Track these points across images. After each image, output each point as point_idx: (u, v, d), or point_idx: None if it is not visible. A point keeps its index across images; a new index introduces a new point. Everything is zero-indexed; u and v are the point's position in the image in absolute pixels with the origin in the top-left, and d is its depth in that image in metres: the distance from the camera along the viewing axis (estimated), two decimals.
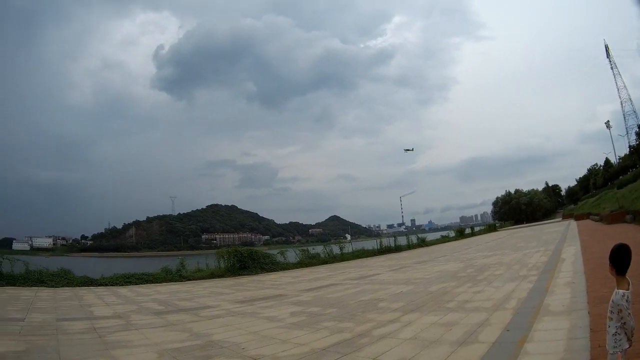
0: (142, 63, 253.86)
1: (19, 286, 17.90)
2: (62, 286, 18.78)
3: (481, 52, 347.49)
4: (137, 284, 20.62)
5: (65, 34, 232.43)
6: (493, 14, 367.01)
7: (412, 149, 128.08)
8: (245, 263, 24.01)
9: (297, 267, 26.06)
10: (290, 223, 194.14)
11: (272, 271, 24.40)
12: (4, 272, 18.80)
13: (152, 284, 20.77)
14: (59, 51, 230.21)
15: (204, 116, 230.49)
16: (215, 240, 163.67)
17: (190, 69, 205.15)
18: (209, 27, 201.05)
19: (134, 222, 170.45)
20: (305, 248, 32.02)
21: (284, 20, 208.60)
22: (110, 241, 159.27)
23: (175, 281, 21.81)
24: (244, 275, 23.10)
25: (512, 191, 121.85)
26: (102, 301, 14.52)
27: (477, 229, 69.50)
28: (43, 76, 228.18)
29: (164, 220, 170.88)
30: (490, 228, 69.28)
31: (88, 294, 16.60)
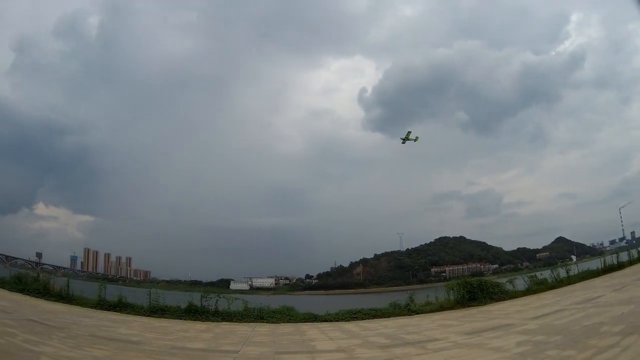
0: (348, 107, 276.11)
1: (235, 322, 20.77)
2: (283, 322, 21.08)
3: None
4: (363, 319, 22.01)
5: (265, 91, 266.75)
6: None
7: (416, 139, 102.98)
8: (475, 294, 24.59)
9: (525, 295, 25.79)
10: (518, 249, 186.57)
11: (500, 300, 24.48)
12: (220, 310, 22.11)
13: (379, 319, 22.00)
14: (262, 107, 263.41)
15: (422, 151, 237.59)
16: (445, 272, 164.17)
17: (398, 107, 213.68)
18: (404, 64, 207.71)
19: (361, 259, 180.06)
20: (533, 274, 32.44)
21: (474, 43, 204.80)
22: (336, 279, 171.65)
23: (404, 315, 22.92)
24: (473, 306, 23.58)
25: None
26: (325, 336, 15.85)
27: None
28: (251, 131, 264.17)
29: (392, 257, 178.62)
30: None
31: (311, 329, 18.30)
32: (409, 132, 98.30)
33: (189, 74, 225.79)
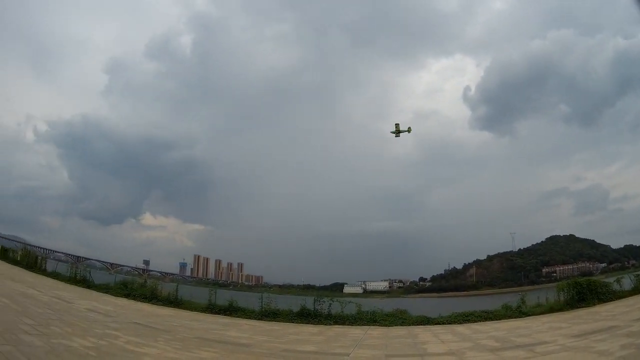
0: (453, 107, 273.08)
1: (348, 325, 20.42)
2: (396, 325, 20.52)
3: None
4: (475, 322, 21.37)
5: (369, 97, 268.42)
6: None
7: (409, 130, 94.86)
8: (584, 294, 23.62)
9: (632, 295, 24.47)
10: (625, 246, 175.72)
11: (608, 301, 23.49)
12: (333, 313, 21.88)
13: (491, 321, 21.35)
14: (368, 112, 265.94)
15: (528, 148, 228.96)
16: (555, 272, 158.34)
17: (502, 104, 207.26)
18: (503, 59, 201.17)
19: (474, 261, 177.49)
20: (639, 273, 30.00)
21: (567, 32, 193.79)
22: (449, 281, 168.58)
23: (515, 317, 22.15)
24: (582, 307, 22.65)
25: None
26: (437, 339, 15.33)
27: None
28: (359, 136, 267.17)
29: (504, 257, 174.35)
30: None
31: (423, 333, 17.73)
32: (397, 124, 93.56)
33: (291, 84, 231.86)
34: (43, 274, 36.51)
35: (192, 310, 24.13)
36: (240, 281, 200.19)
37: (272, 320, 21.73)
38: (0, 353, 7.56)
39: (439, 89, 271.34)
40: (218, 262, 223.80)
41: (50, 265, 41.52)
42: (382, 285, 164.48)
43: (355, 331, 18.45)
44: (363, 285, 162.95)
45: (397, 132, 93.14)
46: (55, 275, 36.07)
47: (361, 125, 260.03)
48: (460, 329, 18.89)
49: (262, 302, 23.45)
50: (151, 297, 26.20)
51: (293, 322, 21.40)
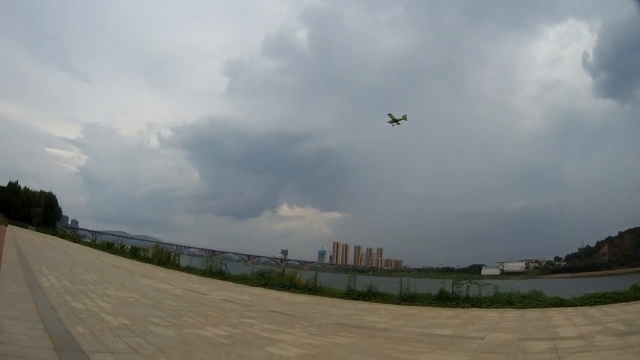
0: (576, 75, 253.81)
1: (484, 308, 20.15)
2: (531, 307, 19.99)
3: None
4: (605, 304, 20.39)
5: (493, 71, 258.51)
6: None
7: (404, 117, 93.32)
8: None
9: None
10: None
11: None
12: (471, 296, 21.63)
13: (621, 303, 20.28)
14: (494, 87, 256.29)
15: None
16: None
17: (621, 68, 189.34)
18: (612, 20, 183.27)
19: (606, 238, 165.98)
20: None
21: None
22: (583, 260, 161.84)
23: None
24: None
25: None
26: (569, 322, 14.69)
27: None
28: (489, 113, 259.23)
29: (634, 234, 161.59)
30: None
31: (557, 315, 17.06)
32: (391, 114, 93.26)
33: (413, 66, 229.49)
34: (176, 269, 39.39)
35: (330, 297, 24.74)
36: (379, 266, 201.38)
37: (411, 305, 21.83)
38: (127, 345, 8.03)
39: (559, 57, 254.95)
40: (357, 248, 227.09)
41: (184, 261, 44.30)
42: (519, 266, 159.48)
43: (491, 314, 18.22)
44: (500, 267, 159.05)
45: (393, 120, 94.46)
46: (189, 270, 38.41)
47: (491, 100, 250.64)
48: (591, 311, 18.10)
49: (401, 286, 23.55)
50: (289, 285, 27.19)
51: (431, 306, 21.41)
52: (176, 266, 41.60)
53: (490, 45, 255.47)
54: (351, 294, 24.54)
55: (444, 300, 21.78)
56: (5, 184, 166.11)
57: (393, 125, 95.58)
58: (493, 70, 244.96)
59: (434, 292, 22.79)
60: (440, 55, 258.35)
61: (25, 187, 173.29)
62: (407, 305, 21.84)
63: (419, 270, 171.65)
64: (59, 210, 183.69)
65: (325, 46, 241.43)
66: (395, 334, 11.87)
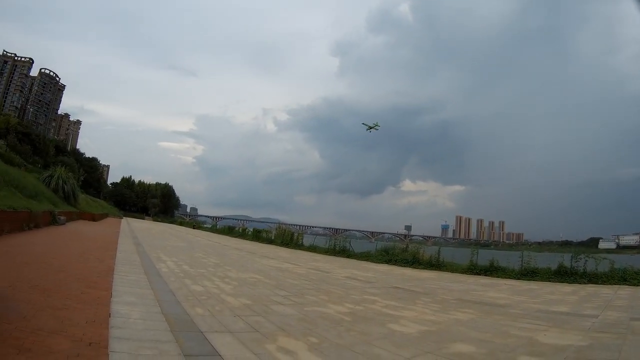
0: None
1: (600, 284, 20.09)
2: None
3: None
4: None
5: (596, 32, 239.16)
6: None
7: (376, 124, 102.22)
8: None
9: None
10: None
11: None
12: (588, 271, 21.61)
13: None
14: (599, 48, 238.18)
15: None
16: None
17: None
18: None
19: None
20: None
21: None
22: None
23: None
24: None
25: None
26: None
27: None
28: (596, 74, 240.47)
29: None
30: None
31: None
32: (364, 123, 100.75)
33: (519, 30, 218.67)
34: (299, 249, 40.46)
35: (453, 272, 25.23)
36: (501, 240, 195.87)
37: (530, 280, 22.00)
38: (247, 324, 8.39)
39: None
40: (479, 222, 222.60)
41: (307, 240, 45.35)
42: (634, 240, 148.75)
43: (606, 290, 18.11)
44: (616, 240, 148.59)
45: (369, 128, 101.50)
46: (312, 249, 39.60)
47: (598, 62, 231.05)
48: None
49: (522, 261, 23.81)
50: (413, 261, 27.91)
51: (550, 281, 21.51)
52: (299, 246, 43.03)
53: (589, 5, 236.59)
54: (473, 269, 25.05)
55: (562, 275, 21.91)
56: (118, 180, 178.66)
57: (370, 132, 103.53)
58: (595, 31, 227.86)
59: (554, 266, 22.90)
60: (544, 18, 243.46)
61: (140, 180, 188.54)
62: (527, 280, 22.04)
63: (539, 243, 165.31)
64: (177, 200, 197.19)
65: (429, 17, 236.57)
66: (513, 310, 12.23)
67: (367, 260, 31.52)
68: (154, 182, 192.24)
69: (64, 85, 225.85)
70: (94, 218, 58.75)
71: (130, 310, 8.39)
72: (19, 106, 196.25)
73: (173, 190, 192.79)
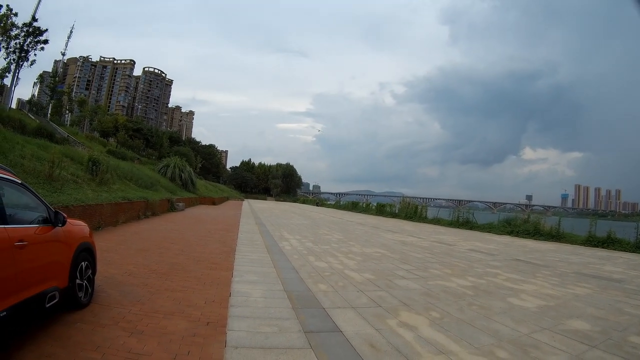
0: None
1: None
2: None
3: None
4: None
5: None
6: None
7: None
8: None
9: None
10: None
11: None
12: None
13: None
14: None
15: None
16: None
17: None
18: None
19: None
20: None
21: None
22: None
23: None
24: None
25: None
26: None
27: None
28: None
29: None
30: None
31: None
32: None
33: None
34: (423, 222, 40.68)
35: (572, 244, 24.76)
36: (617, 209, 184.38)
37: None
38: (370, 299, 8.58)
39: None
40: (597, 191, 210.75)
41: (431, 213, 45.08)
42: None
43: None
44: None
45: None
46: (436, 222, 39.53)
47: None
48: None
49: (637, 232, 23.06)
50: (534, 232, 27.72)
51: None
52: (423, 219, 43.36)
53: None
54: (591, 241, 24.46)
55: None
56: (238, 164, 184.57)
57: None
58: None
59: None
60: None
61: (260, 162, 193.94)
62: None
63: None
64: (299, 179, 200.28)
65: None
66: (628, 286, 12.02)
67: (489, 231, 31.44)
68: (275, 163, 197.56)
69: (172, 80, 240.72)
70: (214, 202, 61.72)
71: (252, 289, 8.74)
72: (125, 105, 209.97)
73: (294, 170, 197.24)
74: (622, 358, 6.03)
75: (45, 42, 66.62)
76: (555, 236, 26.92)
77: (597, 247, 23.66)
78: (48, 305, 5.41)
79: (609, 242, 23.79)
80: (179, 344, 5.43)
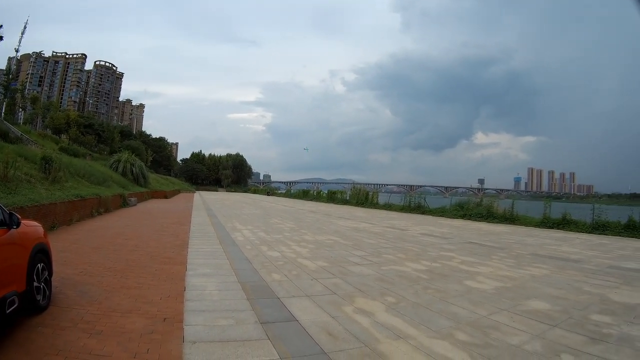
0: None
1: None
2: None
3: None
4: None
5: None
6: None
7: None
8: None
9: None
10: None
11: None
12: None
13: None
14: None
15: None
16: None
17: None
18: None
19: None
20: None
21: None
22: None
23: None
24: None
25: None
26: None
27: None
28: None
29: None
30: None
31: None
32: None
33: None
34: (375, 208, 41.10)
35: (526, 226, 25.17)
36: (572, 192, 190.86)
37: (601, 234, 21.73)
38: (325, 287, 8.63)
39: None
40: (551, 174, 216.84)
41: (382, 199, 45.67)
42: None
43: None
44: None
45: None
46: (388, 207, 40.06)
47: None
48: None
49: (593, 213, 23.42)
50: (487, 215, 28.10)
51: (620, 236, 21.23)
52: (375, 205, 43.77)
53: None
54: (546, 223, 24.88)
55: (632, 229, 21.50)
56: (189, 156, 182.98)
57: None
58: None
59: (623, 220, 22.50)
60: None
61: (210, 153, 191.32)
62: (598, 234, 21.76)
63: (609, 196, 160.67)
64: (249, 169, 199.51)
65: None
66: (585, 266, 12.15)
67: (442, 215, 31.84)
68: (225, 154, 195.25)
69: (122, 73, 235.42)
70: (166, 196, 60.71)
71: (206, 282, 8.70)
72: (77, 100, 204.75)
73: (244, 160, 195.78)
74: (585, 336, 5.99)
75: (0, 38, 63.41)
76: (509, 218, 27.36)
77: (553, 228, 24.07)
78: (8, 311, 5.11)
79: (564, 224, 24.26)
80: (137, 342, 5.33)
